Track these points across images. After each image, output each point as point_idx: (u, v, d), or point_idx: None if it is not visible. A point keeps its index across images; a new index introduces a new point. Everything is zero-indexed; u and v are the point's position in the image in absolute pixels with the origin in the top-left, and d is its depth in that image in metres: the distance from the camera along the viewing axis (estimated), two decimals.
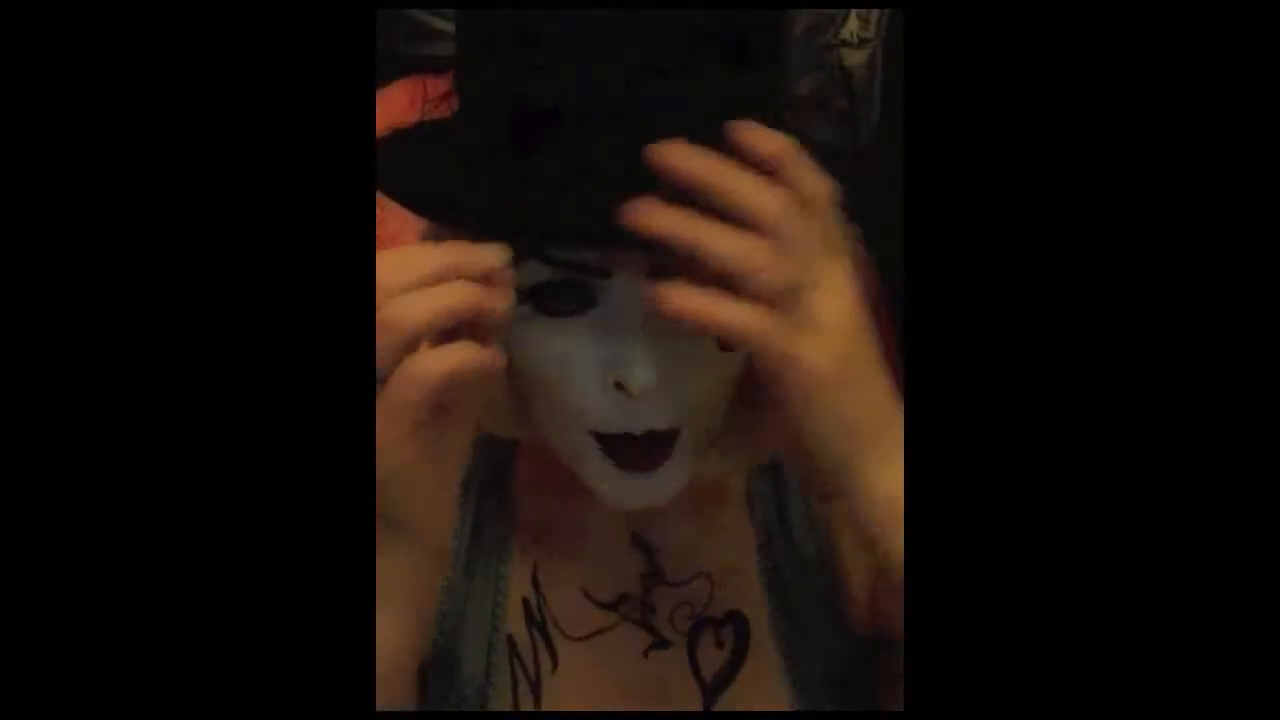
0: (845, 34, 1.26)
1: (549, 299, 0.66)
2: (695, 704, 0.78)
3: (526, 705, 0.78)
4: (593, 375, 0.66)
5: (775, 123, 0.61)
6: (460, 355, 0.61)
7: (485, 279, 0.61)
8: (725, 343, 0.65)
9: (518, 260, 0.64)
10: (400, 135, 0.72)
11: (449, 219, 0.67)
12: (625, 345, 0.65)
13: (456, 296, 0.60)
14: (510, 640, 0.78)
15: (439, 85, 1.10)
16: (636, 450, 0.68)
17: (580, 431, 0.68)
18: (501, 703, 0.78)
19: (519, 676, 0.78)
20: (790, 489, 0.82)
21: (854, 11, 1.26)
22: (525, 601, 0.79)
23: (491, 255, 0.62)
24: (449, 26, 1.20)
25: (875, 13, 1.26)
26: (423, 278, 0.60)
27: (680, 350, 0.66)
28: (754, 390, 0.70)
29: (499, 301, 0.62)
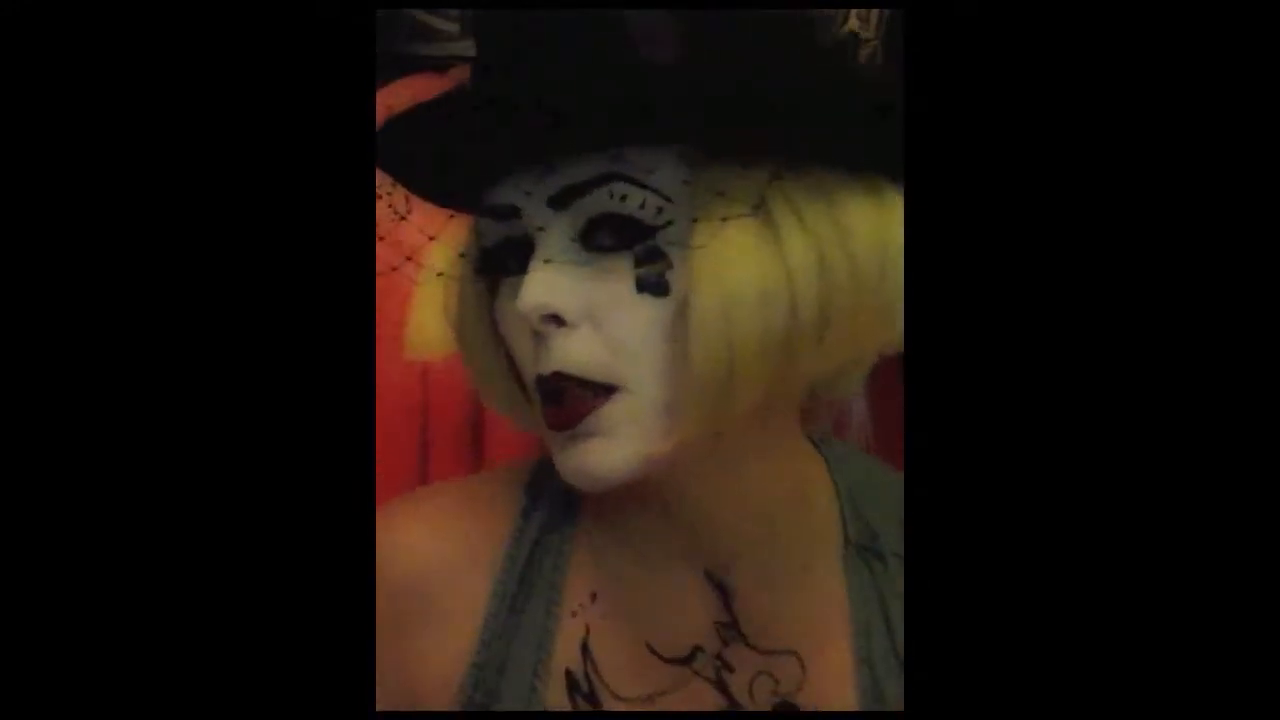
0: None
1: (497, 255, 0.67)
2: None
3: None
4: (523, 315, 0.64)
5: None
6: None
7: None
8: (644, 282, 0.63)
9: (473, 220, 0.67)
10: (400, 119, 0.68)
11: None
12: (533, 271, 0.63)
13: None
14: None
15: (436, 87, 1.09)
16: (562, 403, 0.64)
17: (536, 398, 0.66)
18: None
19: None
20: (896, 584, 0.72)
21: (854, 11, 1.26)
22: (569, 674, 0.70)
23: None
24: (449, 26, 1.19)
25: (875, 13, 1.25)
26: None
27: (601, 286, 0.63)
28: (693, 354, 0.63)
29: None
